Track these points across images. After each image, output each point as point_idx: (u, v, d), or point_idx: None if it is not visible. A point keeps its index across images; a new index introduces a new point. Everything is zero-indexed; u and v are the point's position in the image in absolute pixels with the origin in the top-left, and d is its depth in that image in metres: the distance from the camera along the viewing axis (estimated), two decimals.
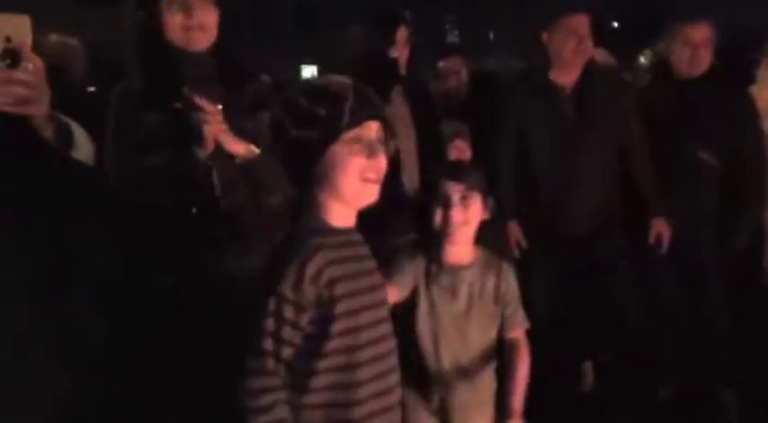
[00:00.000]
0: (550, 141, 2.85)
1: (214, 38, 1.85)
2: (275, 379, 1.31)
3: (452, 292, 1.85)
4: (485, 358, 1.89)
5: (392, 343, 1.45)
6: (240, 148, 1.76)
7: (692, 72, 2.88)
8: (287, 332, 1.31)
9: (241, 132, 1.78)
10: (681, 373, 3.04)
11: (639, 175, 2.90)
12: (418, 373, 1.87)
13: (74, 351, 1.40)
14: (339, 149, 1.34)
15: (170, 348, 1.70)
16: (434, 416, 1.89)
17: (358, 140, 1.35)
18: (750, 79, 3.02)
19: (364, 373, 1.36)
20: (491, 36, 14.54)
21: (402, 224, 2.50)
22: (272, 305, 1.30)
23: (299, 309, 1.31)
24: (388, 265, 2.44)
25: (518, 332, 1.90)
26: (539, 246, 2.91)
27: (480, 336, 1.87)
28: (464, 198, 1.85)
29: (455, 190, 1.85)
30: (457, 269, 1.87)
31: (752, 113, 2.87)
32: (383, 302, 1.45)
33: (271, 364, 1.31)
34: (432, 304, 1.86)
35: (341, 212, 1.39)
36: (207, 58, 1.84)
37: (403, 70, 2.62)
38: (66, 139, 1.40)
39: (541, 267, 2.90)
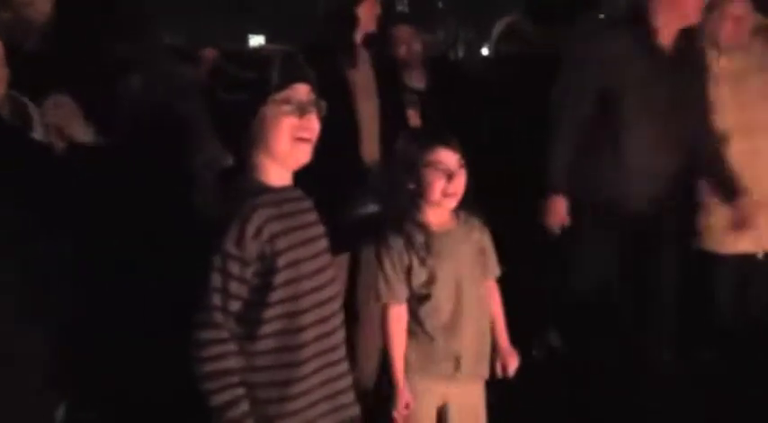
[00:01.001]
0: (644, 104, 2.55)
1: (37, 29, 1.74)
2: (223, 331, 1.41)
3: (449, 256, 1.87)
4: (486, 312, 1.97)
5: (334, 288, 1.58)
6: (86, 136, 1.73)
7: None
8: (233, 287, 1.40)
9: (101, 107, 1.72)
10: (625, 337, 3.18)
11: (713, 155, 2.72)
12: (426, 348, 1.90)
13: (39, 326, 1.43)
14: (270, 110, 1.42)
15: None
16: (441, 384, 1.92)
17: (288, 101, 1.43)
18: None
19: (308, 318, 1.48)
20: (440, 5, 14.50)
21: (364, 195, 2.55)
22: (217, 262, 1.39)
23: (244, 264, 1.41)
24: (350, 236, 2.47)
25: (493, 279, 2.02)
26: (592, 219, 2.64)
27: (478, 291, 1.93)
28: (460, 167, 1.85)
29: (453, 159, 1.84)
30: (446, 232, 1.89)
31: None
32: (324, 252, 1.56)
33: (219, 317, 1.40)
34: (432, 273, 1.86)
35: (277, 172, 1.48)
36: (36, 53, 1.72)
37: (361, 32, 2.62)
38: (25, 118, 1.40)
39: (592, 240, 2.65)
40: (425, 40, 3.58)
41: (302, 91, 1.46)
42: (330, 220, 2.10)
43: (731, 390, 2.82)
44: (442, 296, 1.86)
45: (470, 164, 1.91)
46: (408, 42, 3.38)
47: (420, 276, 1.86)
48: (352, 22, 2.54)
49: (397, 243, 1.86)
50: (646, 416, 2.75)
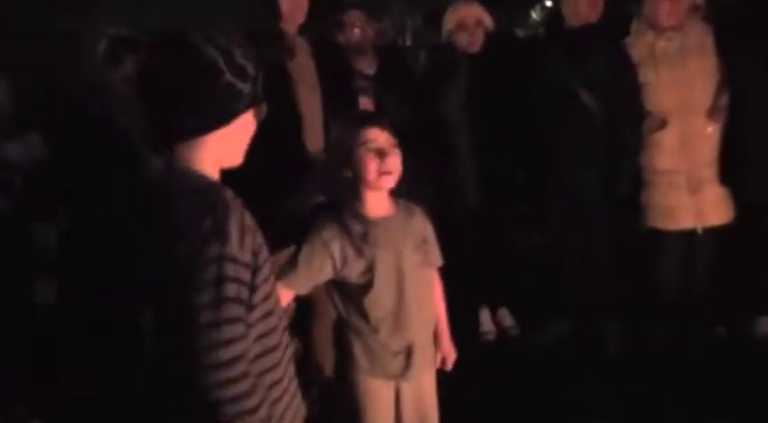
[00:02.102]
0: None
1: None
2: (246, 343, 1.22)
3: (387, 245, 1.84)
4: (430, 301, 1.97)
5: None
6: None
7: (590, 16, 3.00)
8: (244, 293, 1.21)
9: None
10: (571, 311, 3.25)
11: None
12: (374, 348, 1.89)
13: None
14: (249, 115, 1.30)
15: None
16: (393, 380, 1.92)
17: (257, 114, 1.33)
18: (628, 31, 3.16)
19: (275, 318, 1.34)
20: None
21: (309, 186, 2.52)
22: (229, 270, 1.18)
23: (251, 269, 1.23)
24: (298, 228, 2.45)
25: (434, 269, 2.01)
26: None
27: (421, 280, 1.91)
28: (393, 145, 1.82)
29: (383, 137, 1.81)
30: (385, 221, 1.86)
31: (627, 64, 3.00)
32: None
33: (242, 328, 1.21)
34: (371, 262, 1.82)
35: (216, 170, 1.32)
36: None
37: (293, 23, 2.58)
38: None
39: None
40: (377, 27, 3.57)
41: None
42: (277, 212, 2.08)
43: (677, 365, 2.90)
44: (384, 285, 1.84)
45: (411, 149, 1.90)
46: (361, 27, 3.36)
47: (358, 267, 1.83)
48: (275, 12, 2.51)
49: (326, 236, 1.82)
50: (595, 392, 2.81)
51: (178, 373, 1.22)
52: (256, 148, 1.52)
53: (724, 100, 2.97)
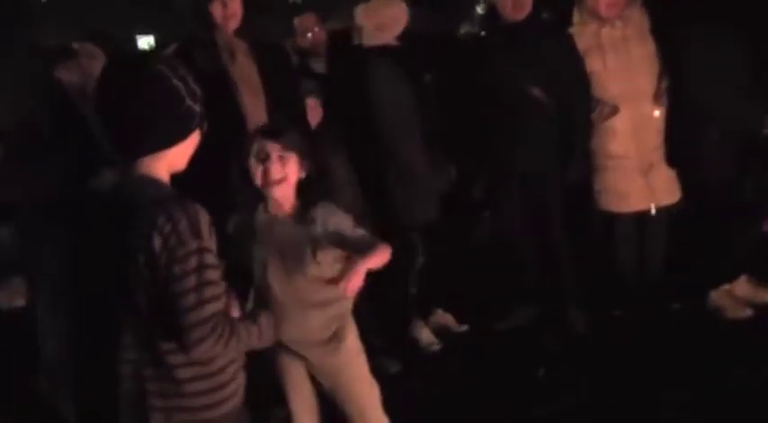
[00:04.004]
0: None
1: None
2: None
3: (269, 242, 1.99)
4: (310, 298, 1.99)
5: None
6: None
7: (515, 16, 3.03)
8: (217, 275, 1.46)
9: None
10: (531, 299, 3.30)
11: None
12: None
13: None
14: (197, 130, 1.53)
15: None
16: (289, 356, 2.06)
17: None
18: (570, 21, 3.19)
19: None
20: None
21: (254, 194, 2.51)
22: (207, 258, 1.42)
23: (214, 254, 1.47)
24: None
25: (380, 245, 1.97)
26: None
27: (302, 285, 1.98)
28: (281, 157, 1.95)
29: (273, 147, 1.95)
30: (274, 221, 1.99)
31: (573, 53, 3.06)
32: None
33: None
34: (260, 256, 2.00)
35: (168, 177, 1.53)
36: None
37: (227, 29, 2.56)
38: None
39: None
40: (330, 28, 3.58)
41: None
42: (226, 216, 2.08)
43: (640, 345, 2.97)
44: (269, 279, 1.98)
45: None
46: (313, 30, 3.37)
47: (255, 257, 2.00)
48: (204, 19, 2.51)
49: (234, 232, 2.05)
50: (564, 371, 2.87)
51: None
52: (203, 152, 1.54)
53: (665, 84, 3.04)
